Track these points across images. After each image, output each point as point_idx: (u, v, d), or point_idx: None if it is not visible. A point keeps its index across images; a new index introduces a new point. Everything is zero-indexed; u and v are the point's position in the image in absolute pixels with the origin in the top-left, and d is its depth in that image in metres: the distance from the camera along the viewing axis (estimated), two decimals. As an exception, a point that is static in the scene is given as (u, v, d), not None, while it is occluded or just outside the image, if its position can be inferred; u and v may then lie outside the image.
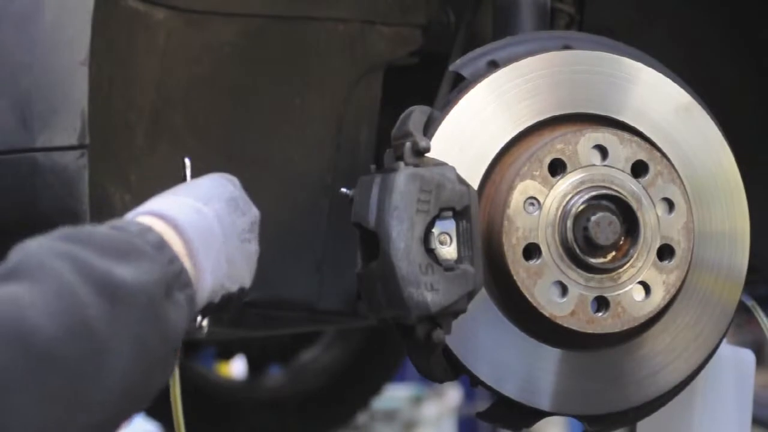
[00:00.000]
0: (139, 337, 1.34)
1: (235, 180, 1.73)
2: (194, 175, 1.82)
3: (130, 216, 1.52)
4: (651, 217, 1.87)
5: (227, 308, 1.63)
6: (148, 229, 1.45)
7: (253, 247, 1.69)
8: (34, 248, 1.35)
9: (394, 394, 5.96)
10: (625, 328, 1.86)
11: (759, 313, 2.24)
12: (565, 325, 1.84)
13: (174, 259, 1.45)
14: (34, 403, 1.24)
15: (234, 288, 1.62)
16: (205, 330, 1.64)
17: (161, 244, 1.44)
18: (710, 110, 1.96)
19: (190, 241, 1.52)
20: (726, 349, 2.23)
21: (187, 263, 1.49)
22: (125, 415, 1.36)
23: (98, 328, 1.30)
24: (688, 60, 2.17)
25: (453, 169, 1.78)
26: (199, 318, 1.61)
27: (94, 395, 1.29)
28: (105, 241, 1.39)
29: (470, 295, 1.77)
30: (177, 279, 1.44)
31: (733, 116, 2.06)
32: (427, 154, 1.79)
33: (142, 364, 1.35)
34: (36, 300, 1.28)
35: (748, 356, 2.34)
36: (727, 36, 2.40)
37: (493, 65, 1.91)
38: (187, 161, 1.81)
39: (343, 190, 1.88)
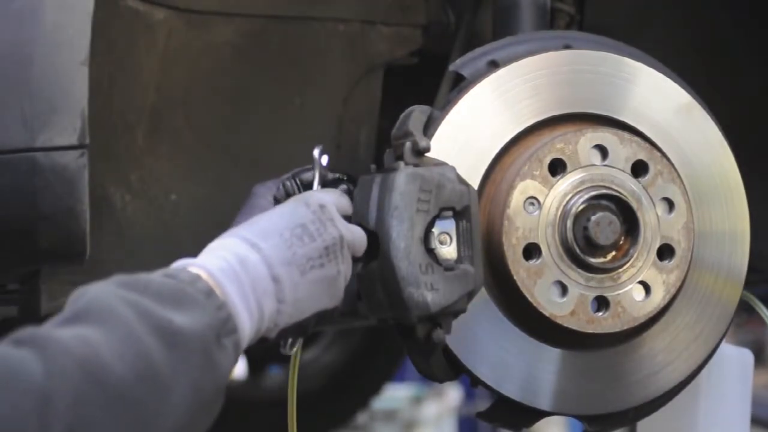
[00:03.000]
0: (195, 381, 1.43)
1: (313, 198, 1.71)
2: (195, 176, 1.83)
3: (175, 264, 1.58)
4: (651, 217, 1.87)
5: (304, 333, 1.70)
6: (198, 278, 1.52)
7: (330, 270, 1.67)
8: (98, 293, 1.43)
9: (394, 394, 5.96)
10: (625, 327, 1.86)
11: (757, 305, 2.24)
12: (565, 324, 1.84)
13: (222, 305, 1.51)
14: None
15: (304, 316, 1.65)
16: (293, 350, 1.76)
17: (210, 292, 1.51)
18: (710, 110, 1.96)
19: (225, 290, 1.55)
20: (725, 349, 2.23)
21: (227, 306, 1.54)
22: None
23: (162, 372, 1.39)
24: (687, 60, 2.16)
25: (453, 168, 1.78)
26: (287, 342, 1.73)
27: None
28: (162, 288, 1.46)
29: (470, 295, 1.77)
30: (224, 326, 1.50)
31: (733, 116, 2.06)
32: (427, 154, 1.79)
33: (195, 406, 1.43)
34: (107, 343, 1.37)
35: (747, 356, 2.35)
36: (727, 36, 2.40)
37: (493, 65, 1.91)
38: (316, 152, 1.83)
39: (343, 187, 1.88)
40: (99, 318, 1.39)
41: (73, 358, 1.32)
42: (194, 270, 1.54)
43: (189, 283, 1.50)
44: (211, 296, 1.50)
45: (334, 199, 1.74)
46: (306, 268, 1.64)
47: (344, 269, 1.70)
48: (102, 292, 1.43)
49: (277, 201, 1.80)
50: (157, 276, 1.50)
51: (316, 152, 1.84)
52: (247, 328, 1.55)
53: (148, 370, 1.38)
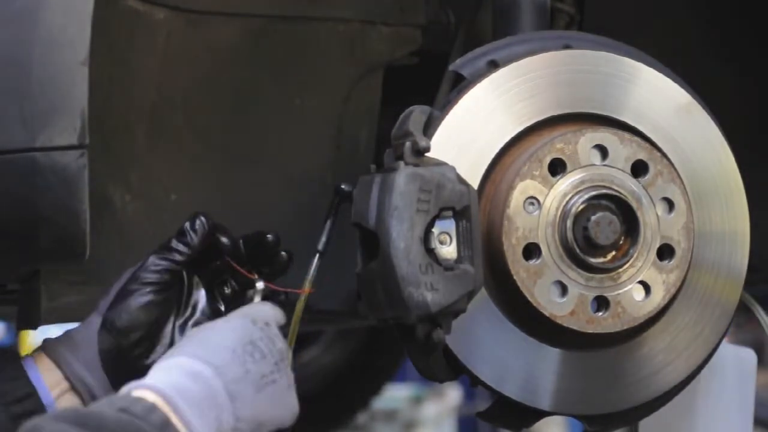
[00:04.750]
0: None
1: (258, 315, 1.74)
2: (195, 177, 1.83)
3: (126, 389, 1.57)
4: (651, 217, 1.87)
5: None
6: (152, 409, 1.51)
7: (282, 383, 1.69)
8: None
9: (394, 394, 5.96)
10: (625, 327, 1.86)
11: (757, 309, 2.24)
12: (565, 324, 1.84)
13: None
14: None
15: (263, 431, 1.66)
16: None
17: (165, 424, 1.50)
18: (710, 110, 1.96)
19: (180, 411, 1.55)
20: (727, 349, 2.23)
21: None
22: None
23: None
24: (686, 60, 2.16)
25: (453, 168, 1.78)
26: None
27: None
28: (116, 427, 1.44)
29: (470, 295, 1.77)
30: None
31: (732, 116, 2.06)
32: (427, 154, 1.79)
33: None
34: None
35: (749, 355, 2.34)
36: (726, 36, 2.40)
37: (493, 65, 1.91)
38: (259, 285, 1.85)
39: (343, 186, 1.88)
40: None
41: None
42: (148, 396, 1.53)
43: (143, 417, 1.48)
44: (167, 429, 1.49)
45: (274, 314, 1.76)
46: (261, 384, 1.66)
47: (292, 381, 1.71)
48: None
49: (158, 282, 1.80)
50: (110, 411, 1.47)
51: (259, 284, 1.84)
52: None
53: None
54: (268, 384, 1.66)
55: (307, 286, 1.84)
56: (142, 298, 1.78)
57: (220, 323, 1.73)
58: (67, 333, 1.83)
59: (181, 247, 1.81)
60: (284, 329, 1.77)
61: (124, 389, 1.56)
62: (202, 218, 1.82)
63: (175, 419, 1.52)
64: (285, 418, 1.70)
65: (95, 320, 1.81)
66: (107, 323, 1.79)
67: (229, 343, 1.66)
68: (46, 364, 1.79)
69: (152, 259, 1.81)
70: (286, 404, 1.70)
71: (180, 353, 1.64)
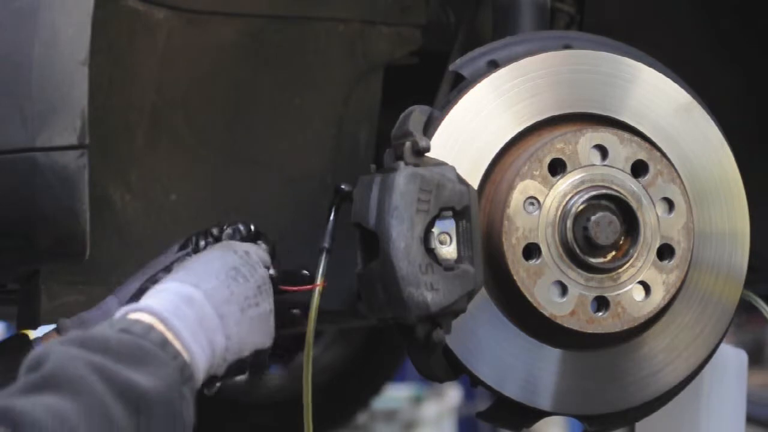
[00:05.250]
0: None
1: (237, 245, 1.80)
2: (195, 176, 1.83)
3: (122, 312, 1.60)
4: (651, 217, 1.87)
5: (243, 370, 1.75)
6: (150, 328, 1.54)
7: (264, 308, 1.75)
8: (62, 358, 1.43)
9: (394, 394, 5.95)
10: (625, 328, 1.86)
11: (758, 302, 2.23)
12: (565, 325, 1.84)
13: (177, 354, 1.54)
14: None
15: (244, 353, 1.71)
16: (213, 391, 1.74)
17: (164, 342, 1.53)
18: (710, 110, 1.96)
19: (176, 330, 1.58)
20: (722, 349, 2.23)
21: (181, 351, 1.57)
22: None
23: None
24: (686, 60, 2.16)
25: (453, 168, 1.78)
26: (212, 387, 1.73)
27: None
28: (120, 347, 1.48)
29: (470, 295, 1.77)
30: (183, 374, 1.53)
31: (732, 117, 2.06)
32: (427, 154, 1.79)
33: None
34: (78, 416, 1.37)
35: (741, 356, 2.35)
36: (726, 36, 2.40)
37: (493, 65, 1.91)
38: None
39: (343, 186, 1.88)
40: (69, 387, 1.39)
41: None
42: (144, 318, 1.56)
43: (142, 335, 1.52)
44: (166, 346, 1.53)
45: (255, 249, 1.81)
46: (244, 305, 1.71)
47: (272, 307, 1.77)
48: (66, 356, 1.43)
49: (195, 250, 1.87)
50: (112, 332, 1.51)
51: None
52: (201, 368, 1.60)
53: None
54: (251, 306, 1.72)
55: (319, 281, 1.85)
56: None
57: (203, 254, 1.79)
58: (81, 316, 1.86)
59: None
60: (267, 269, 1.81)
61: (120, 312, 1.60)
62: (241, 226, 1.89)
63: (172, 337, 1.56)
64: (264, 342, 1.75)
65: (112, 306, 1.85)
66: None
67: (214, 269, 1.71)
68: None
69: (182, 257, 1.86)
70: (266, 328, 1.76)
71: (170, 279, 1.69)
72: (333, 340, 4.16)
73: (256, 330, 1.73)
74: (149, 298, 1.63)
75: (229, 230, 1.88)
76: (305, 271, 1.89)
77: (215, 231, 1.89)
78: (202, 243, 1.88)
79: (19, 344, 1.84)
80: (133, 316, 1.57)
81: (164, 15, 2.05)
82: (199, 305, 1.64)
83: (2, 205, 1.76)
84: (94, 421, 1.38)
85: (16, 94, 1.73)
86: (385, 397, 4.87)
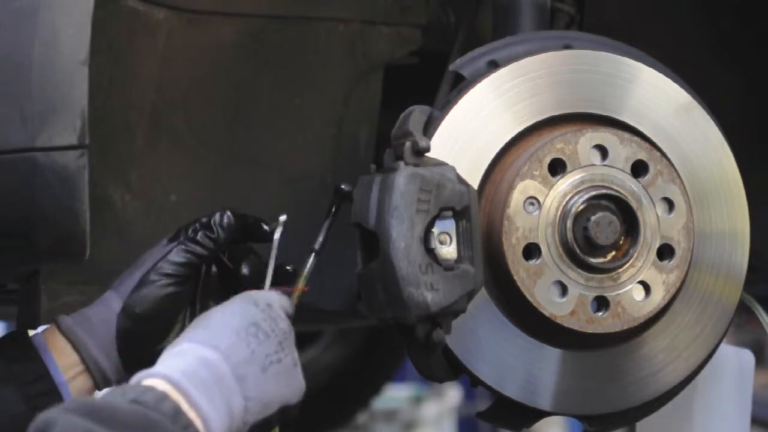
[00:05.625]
0: None
1: (260, 297, 1.75)
2: (195, 176, 1.82)
3: (137, 378, 1.58)
4: (651, 217, 1.87)
5: (270, 428, 1.70)
6: (163, 398, 1.52)
7: (287, 363, 1.71)
8: (66, 426, 1.41)
9: (394, 394, 5.95)
10: (625, 327, 1.86)
11: (757, 308, 2.24)
12: (565, 325, 1.84)
13: (188, 425, 1.52)
14: None
15: (268, 412, 1.68)
16: None
17: (177, 413, 1.51)
18: (710, 110, 1.96)
19: (192, 398, 1.56)
20: (725, 349, 2.23)
21: (195, 419, 1.55)
22: None
23: None
24: (686, 60, 2.16)
25: (453, 168, 1.78)
26: None
27: None
28: (127, 419, 1.46)
29: (470, 295, 1.77)
30: None
31: (732, 117, 2.06)
32: (427, 154, 1.79)
33: None
34: None
35: (747, 356, 2.34)
36: (726, 36, 2.40)
37: (493, 65, 1.91)
38: (281, 219, 1.86)
39: (343, 186, 1.88)
40: None
41: None
42: (159, 385, 1.55)
43: (154, 407, 1.50)
44: (178, 416, 1.51)
45: (278, 299, 1.77)
46: (265, 364, 1.68)
47: (297, 359, 1.73)
48: (70, 426, 1.41)
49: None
50: (122, 402, 1.49)
51: (282, 217, 1.86)
52: (220, 427, 1.57)
53: None
54: (273, 363, 1.68)
55: (301, 284, 1.84)
56: (163, 289, 1.82)
57: (222, 308, 1.74)
58: (83, 313, 1.84)
59: (206, 242, 1.83)
60: (290, 316, 1.78)
61: (135, 378, 1.58)
62: (229, 214, 1.85)
63: (186, 406, 1.54)
64: (291, 396, 1.71)
65: (112, 301, 1.84)
66: (127, 308, 1.82)
67: (233, 326, 1.68)
68: (60, 345, 1.81)
69: (177, 250, 1.83)
70: (292, 383, 1.72)
71: (187, 339, 1.67)
72: (333, 340, 4.16)
73: (281, 386, 1.69)
74: (166, 360, 1.61)
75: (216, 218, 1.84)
76: (288, 267, 1.86)
77: (204, 219, 1.84)
78: (190, 232, 1.84)
79: (14, 341, 1.83)
80: (148, 382, 1.56)
81: (164, 15, 2.05)
82: (216, 368, 1.61)
83: (2, 205, 1.76)
84: None
85: (16, 94, 1.73)
86: (385, 397, 4.88)
